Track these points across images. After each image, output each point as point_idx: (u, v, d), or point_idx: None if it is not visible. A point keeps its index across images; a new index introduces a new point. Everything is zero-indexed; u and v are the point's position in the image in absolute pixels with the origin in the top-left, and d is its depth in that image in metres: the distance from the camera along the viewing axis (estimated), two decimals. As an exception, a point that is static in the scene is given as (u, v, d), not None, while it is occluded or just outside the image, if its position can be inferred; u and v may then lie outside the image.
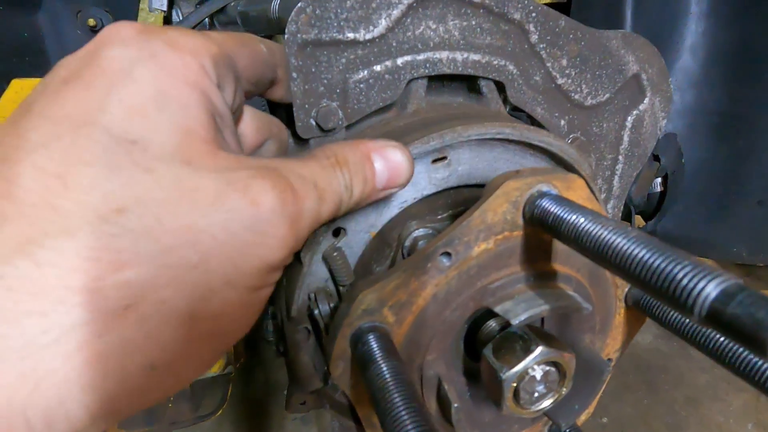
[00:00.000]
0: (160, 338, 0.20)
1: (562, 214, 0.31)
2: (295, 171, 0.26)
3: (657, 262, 0.23)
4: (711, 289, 0.21)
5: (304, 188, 0.26)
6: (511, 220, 0.34)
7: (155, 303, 0.20)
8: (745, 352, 0.36)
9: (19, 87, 0.56)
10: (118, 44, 0.23)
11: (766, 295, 0.20)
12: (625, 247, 0.25)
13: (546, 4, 0.97)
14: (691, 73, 0.95)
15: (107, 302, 0.19)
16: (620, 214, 0.64)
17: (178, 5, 0.85)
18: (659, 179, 1.05)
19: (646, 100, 0.57)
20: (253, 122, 0.37)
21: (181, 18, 0.83)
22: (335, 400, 0.48)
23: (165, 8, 0.75)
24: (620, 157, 0.59)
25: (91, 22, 0.71)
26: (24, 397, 0.17)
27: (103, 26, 0.72)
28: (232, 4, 0.76)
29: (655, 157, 1.03)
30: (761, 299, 0.19)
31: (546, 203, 0.32)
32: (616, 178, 0.60)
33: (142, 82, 0.22)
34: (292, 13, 0.39)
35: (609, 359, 0.46)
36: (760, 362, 0.34)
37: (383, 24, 0.42)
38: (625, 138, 0.58)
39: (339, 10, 0.40)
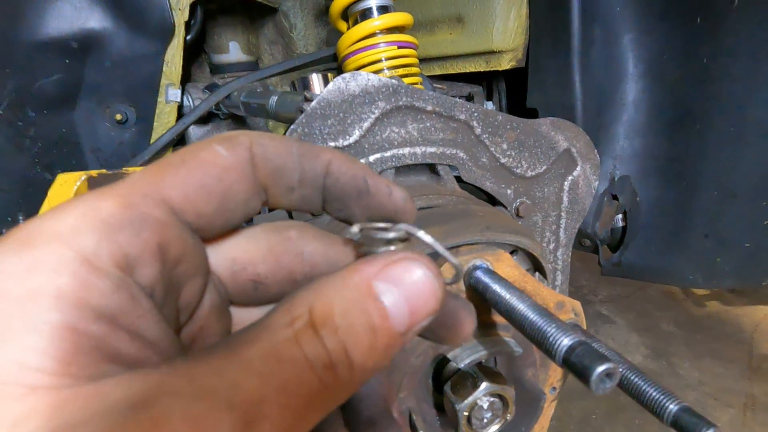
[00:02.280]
0: None
1: (487, 284, 0.42)
2: (190, 393, 0.15)
3: (537, 323, 0.35)
4: (564, 344, 0.32)
5: (192, 427, 0.14)
6: (455, 288, 0.46)
7: None
8: (646, 390, 0.44)
9: (63, 180, 0.68)
10: None
11: (596, 349, 0.31)
12: (521, 311, 0.37)
13: (506, 69, 1.13)
14: (637, 123, 1.09)
15: None
16: (569, 258, 0.75)
17: (188, 92, 0.99)
18: (620, 216, 1.17)
19: (579, 168, 0.69)
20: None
21: (192, 104, 0.97)
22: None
23: (179, 100, 0.89)
24: (563, 214, 0.71)
25: (118, 116, 0.84)
26: None
27: (128, 119, 0.86)
28: (235, 93, 0.90)
29: (614, 197, 1.15)
30: (589, 352, 0.31)
31: (478, 274, 0.44)
32: (561, 230, 0.72)
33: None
34: (286, 134, 0.52)
35: (553, 388, 0.56)
36: (654, 395, 0.43)
37: (357, 133, 0.55)
38: (565, 198, 0.70)
39: (322, 128, 0.53)
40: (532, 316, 0.36)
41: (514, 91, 1.27)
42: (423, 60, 1.22)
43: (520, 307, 0.37)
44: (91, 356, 0.16)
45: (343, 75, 0.52)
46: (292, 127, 0.52)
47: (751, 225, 0.98)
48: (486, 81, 1.29)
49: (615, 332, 2.21)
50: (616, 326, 2.25)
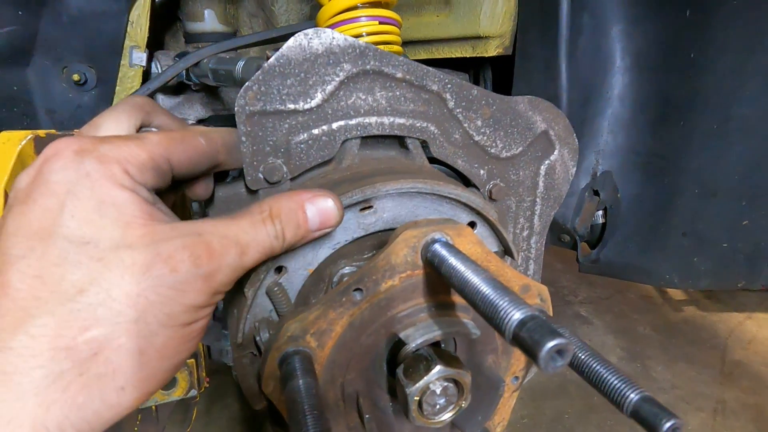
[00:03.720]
0: (122, 369, 0.30)
1: (444, 257, 0.39)
2: (218, 232, 0.34)
3: (490, 296, 0.32)
4: (515, 319, 0.29)
5: (223, 248, 0.34)
6: (411, 262, 0.42)
7: (114, 348, 0.30)
8: (607, 377, 0.41)
9: (6, 138, 0.63)
10: (59, 168, 0.31)
11: (549, 323, 0.28)
12: (474, 284, 0.33)
13: (492, 56, 1.10)
14: (621, 118, 1.07)
15: (80, 353, 0.29)
16: (543, 247, 0.73)
17: (158, 59, 0.94)
18: (600, 212, 1.15)
19: (556, 152, 0.66)
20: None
21: (160, 71, 0.92)
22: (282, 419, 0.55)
23: (144, 64, 0.84)
24: (538, 200, 0.68)
25: (76, 77, 0.79)
26: (43, 416, 0.28)
27: (87, 81, 0.81)
28: (205, 60, 0.85)
29: (595, 192, 1.13)
30: (541, 326, 0.27)
31: (436, 248, 0.40)
32: (536, 217, 0.69)
33: (83, 197, 0.31)
34: (241, 90, 0.48)
35: (516, 377, 0.53)
36: (614, 383, 0.40)
37: (319, 96, 0.51)
38: (540, 183, 0.67)
39: (281, 87, 0.49)
40: (484, 289, 0.32)
41: (499, 81, 1.25)
42: (408, 43, 1.19)
43: (474, 280, 0.34)
44: (157, 215, 0.34)
45: (306, 31, 0.48)
46: (247, 84, 0.48)
47: (729, 225, 0.97)
48: (472, 68, 1.26)
49: (592, 333, 2.21)
50: (594, 327, 2.25)
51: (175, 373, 0.35)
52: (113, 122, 0.39)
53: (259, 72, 0.48)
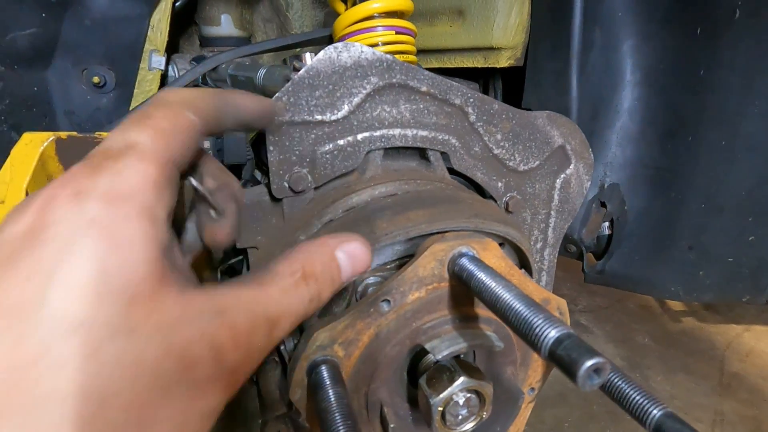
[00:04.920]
0: None
1: (472, 271, 0.40)
2: (246, 308, 0.26)
3: (523, 313, 0.32)
4: (551, 336, 0.30)
5: (252, 329, 0.26)
6: (438, 275, 0.43)
7: None
8: (629, 393, 0.42)
9: (29, 139, 0.63)
10: (58, 218, 0.22)
11: (585, 342, 0.29)
12: (506, 300, 0.34)
13: (503, 68, 1.11)
14: (630, 131, 1.08)
15: None
16: (555, 259, 0.74)
17: (174, 62, 0.95)
18: (607, 223, 1.16)
19: (572, 166, 0.68)
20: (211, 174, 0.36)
21: (177, 75, 0.93)
22: (299, 425, 0.55)
23: (163, 68, 0.85)
24: (552, 212, 0.69)
25: (96, 79, 0.79)
26: None
27: (106, 83, 0.81)
28: (223, 65, 0.86)
29: (602, 204, 1.15)
30: (578, 345, 0.28)
31: (463, 262, 0.41)
32: (550, 229, 0.70)
33: (82, 259, 0.22)
34: (271, 101, 0.49)
35: (532, 388, 0.54)
36: (637, 399, 0.41)
37: (346, 108, 0.52)
38: (556, 196, 0.68)
39: (309, 99, 0.50)
40: (518, 306, 0.33)
41: (509, 91, 1.26)
42: (421, 52, 1.20)
43: (506, 296, 0.35)
44: (169, 279, 0.25)
45: (335, 44, 0.49)
46: (277, 94, 0.49)
47: (735, 240, 0.98)
48: (482, 78, 1.27)
49: (592, 342, 2.21)
50: (594, 336, 2.27)
51: None
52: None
53: (290, 83, 0.49)
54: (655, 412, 0.37)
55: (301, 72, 0.49)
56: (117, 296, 0.22)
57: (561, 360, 0.28)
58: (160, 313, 0.23)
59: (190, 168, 0.32)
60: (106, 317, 0.22)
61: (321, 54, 0.49)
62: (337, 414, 0.34)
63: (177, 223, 0.33)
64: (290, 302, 0.29)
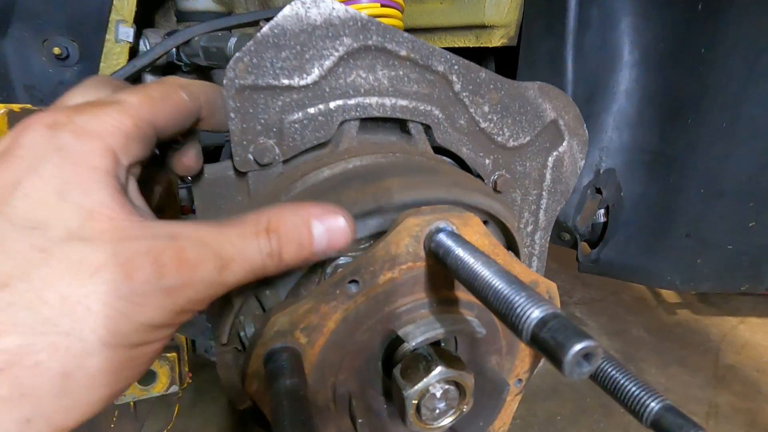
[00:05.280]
0: (33, 395, 0.24)
1: (449, 247, 0.35)
2: (197, 239, 0.28)
3: (504, 291, 0.28)
4: (534, 317, 0.25)
5: (198, 257, 0.28)
6: (413, 252, 0.38)
7: (28, 365, 0.23)
8: (624, 384, 0.38)
9: (-21, 112, 0.58)
10: (29, 142, 0.26)
11: (572, 323, 0.24)
12: (485, 278, 0.30)
13: (496, 48, 1.06)
14: (627, 114, 1.04)
15: None
16: (547, 243, 0.69)
17: (146, 37, 0.89)
18: (602, 210, 1.12)
19: (565, 143, 0.63)
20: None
21: (148, 48, 0.87)
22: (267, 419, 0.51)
23: (131, 40, 0.79)
24: (544, 193, 0.65)
25: (56, 50, 0.74)
26: None
27: (69, 55, 0.76)
28: (196, 38, 0.80)
29: (598, 190, 1.10)
30: (565, 326, 0.24)
31: (440, 237, 0.37)
32: (542, 211, 0.66)
33: (45, 175, 0.25)
34: (231, 61, 0.44)
35: (519, 380, 0.50)
36: (633, 391, 0.37)
37: (316, 72, 0.47)
38: (548, 176, 0.64)
39: (274, 60, 0.45)
40: (497, 283, 0.29)
41: (502, 73, 1.21)
42: (409, 30, 1.14)
43: (485, 273, 0.30)
44: (129, 208, 0.28)
45: (303, -1, 0.44)
46: (237, 55, 0.44)
47: (735, 227, 0.95)
48: (474, 59, 1.22)
49: (586, 334, 2.19)
50: (588, 329, 2.24)
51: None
52: (81, 98, 0.32)
53: (251, 42, 0.44)
54: (652, 404, 0.33)
55: (264, 29, 0.44)
56: (74, 209, 0.26)
57: (545, 344, 0.24)
58: (113, 230, 0.26)
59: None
60: (60, 225, 0.25)
61: (286, 9, 0.44)
62: (287, 408, 0.30)
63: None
64: (245, 248, 0.30)
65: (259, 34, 0.44)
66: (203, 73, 1.00)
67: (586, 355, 0.23)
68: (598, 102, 1.05)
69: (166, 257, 0.27)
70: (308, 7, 0.45)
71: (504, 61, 1.18)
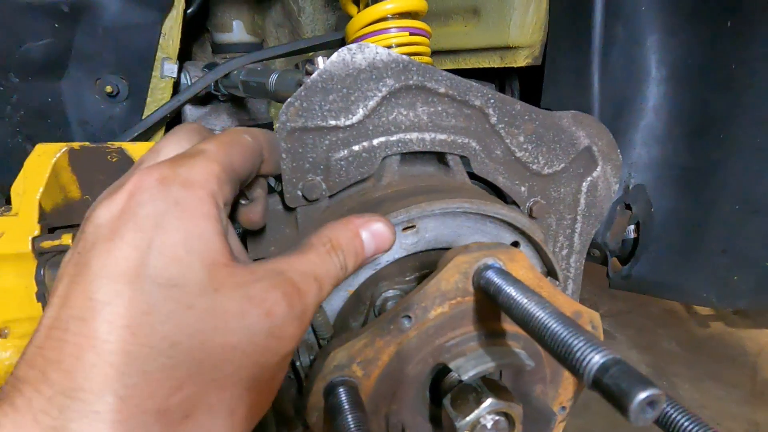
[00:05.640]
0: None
1: (500, 286, 0.37)
2: (297, 269, 0.31)
3: (561, 334, 0.29)
4: (595, 362, 0.27)
5: (306, 285, 0.31)
6: (462, 288, 0.40)
7: (205, 409, 0.27)
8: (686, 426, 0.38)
9: (42, 151, 0.63)
10: (147, 200, 0.28)
11: (634, 369, 0.26)
12: (541, 319, 0.31)
13: (521, 67, 1.08)
14: (656, 130, 1.04)
15: (171, 417, 0.25)
16: (582, 266, 0.70)
17: (187, 70, 0.94)
18: (632, 226, 1.11)
19: (599, 168, 0.64)
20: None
21: (189, 82, 0.92)
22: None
23: (175, 75, 0.84)
24: (578, 217, 0.66)
25: (109, 89, 0.79)
26: None
27: (119, 92, 0.81)
28: (235, 72, 0.85)
29: (627, 206, 1.10)
30: (627, 372, 0.25)
31: (489, 275, 0.38)
32: (576, 235, 0.67)
33: (171, 230, 0.27)
34: (283, 106, 0.47)
35: (563, 407, 0.51)
36: (687, 427, 0.37)
37: (360, 113, 0.50)
38: (582, 201, 0.65)
39: (323, 103, 0.48)
40: (554, 325, 0.30)
41: (526, 92, 1.22)
42: (435, 53, 1.17)
43: (540, 314, 0.32)
44: (232, 252, 0.30)
45: (349, 46, 0.47)
46: (289, 100, 0.47)
47: (772, 243, 0.93)
48: (498, 79, 1.24)
49: (615, 348, 2.14)
50: (617, 342, 2.19)
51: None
52: (174, 147, 0.35)
53: (302, 88, 0.47)
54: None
55: (313, 75, 0.47)
56: (201, 262, 0.27)
57: (608, 390, 0.25)
58: (234, 276, 0.28)
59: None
60: (195, 279, 0.27)
61: (334, 56, 0.47)
62: (356, 442, 0.32)
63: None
64: (328, 267, 0.34)
65: (309, 80, 0.47)
66: (238, 102, 1.05)
67: (651, 403, 0.24)
68: (625, 118, 1.05)
69: (288, 290, 0.30)
70: (354, 53, 0.47)
71: (528, 81, 1.19)
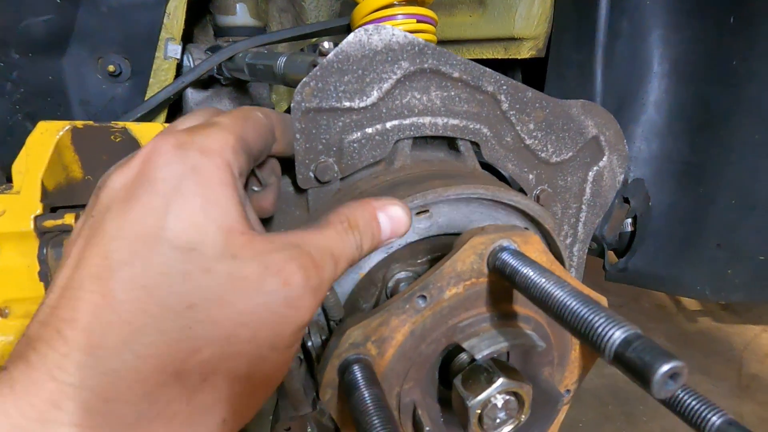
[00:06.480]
0: (228, 399, 0.27)
1: (516, 267, 0.37)
2: (315, 244, 0.31)
3: (581, 312, 0.30)
4: (617, 337, 0.27)
5: (323, 260, 0.31)
6: (477, 269, 0.40)
7: (223, 373, 0.26)
8: (689, 401, 0.39)
9: (44, 128, 0.61)
10: (163, 164, 0.27)
11: (656, 343, 0.26)
12: (560, 298, 0.32)
13: (524, 59, 1.08)
14: (656, 125, 1.05)
15: (189, 379, 0.25)
16: (585, 256, 0.71)
17: (189, 52, 0.93)
18: (629, 220, 1.13)
19: (605, 158, 0.65)
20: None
21: (192, 64, 0.91)
22: (322, 424, 0.53)
23: (179, 56, 0.83)
24: (583, 207, 0.66)
25: (111, 68, 0.78)
26: None
27: (121, 72, 0.80)
28: (240, 55, 0.84)
29: (625, 200, 1.11)
30: (650, 347, 0.26)
31: (505, 256, 0.39)
32: (580, 224, 0.68)
33: (189, 195, 0.27)
34: (298, 86, 0.46)
35: (567, 390, 0.52)
36: (693, 405, 0.38)
37: (375, 95, 0.49)
38: (587, 190, 0.65)
39: (338, 84, 0.48)
40: (573, 303, 0.31)
41: (529, 84, 1.22)
42: (439, 42, 1.17)
43: (558, 293, 0.32)
44: (249, 221, 0.30)
45: (366, 26, 0.47)
46: (304, 80, 0.46)
47: (766, 238, 0.95)
48: (501, 70, 1.24)
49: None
50: (608, 335, 2.23)
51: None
52: (190, 122, 0.34)
53: (318, 68, 0.46)
54: (714, 419, 0.34)
55: (329, 56, 0.46)
56: (219, 228, 0.27)
57: (631, 364, 0.25)
58: (252, 244, 0.28)
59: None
60: (212, 244, 0.26)
61: (351, 36, 0.46)
62: (375, 417, 0.32)
63: None
64: (344, 245, 0.33)
65: (324, 60, 0.47)
66: (239, 86, 1.04)
67: (673, 375, 0.24)
68: (626, 112, 1.06)
69: (305, 262, 0.29)
70: (371, 34, 0.47)
71: (531, 73, 1.19)
